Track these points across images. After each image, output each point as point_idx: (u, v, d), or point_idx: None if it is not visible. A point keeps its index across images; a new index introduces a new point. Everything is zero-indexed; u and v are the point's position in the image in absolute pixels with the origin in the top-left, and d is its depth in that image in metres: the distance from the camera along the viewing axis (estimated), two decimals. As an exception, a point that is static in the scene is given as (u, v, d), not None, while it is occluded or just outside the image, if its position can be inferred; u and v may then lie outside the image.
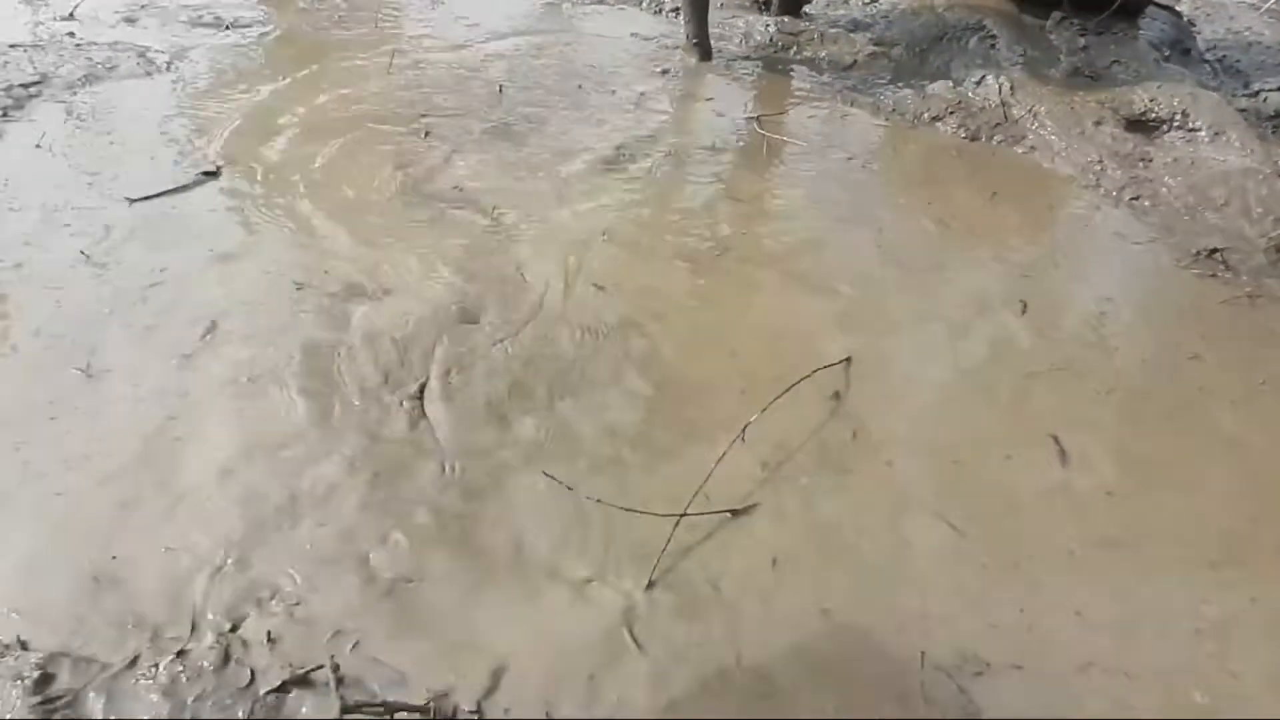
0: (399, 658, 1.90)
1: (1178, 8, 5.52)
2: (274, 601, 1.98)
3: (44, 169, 3.45)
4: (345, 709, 1.75)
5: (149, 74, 4.19)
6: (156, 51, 4.41)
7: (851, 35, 5.18)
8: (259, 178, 3.50)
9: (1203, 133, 4.20)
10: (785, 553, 2.19)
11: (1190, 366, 2.96)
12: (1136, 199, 3.88)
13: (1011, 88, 4.50)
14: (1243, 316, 3.23)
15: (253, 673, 1.85)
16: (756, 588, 2.11)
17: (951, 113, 4.42)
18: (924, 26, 5.13)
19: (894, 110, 4.50)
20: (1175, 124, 4.29)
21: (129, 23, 4.72)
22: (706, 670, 1.93)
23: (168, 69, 4.27)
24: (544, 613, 2.02)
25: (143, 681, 1.82)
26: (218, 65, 4.38)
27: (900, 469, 2.46)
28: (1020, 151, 4.23)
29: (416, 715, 1.79)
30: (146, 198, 3.30)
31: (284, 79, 4.28)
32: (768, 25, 5.21)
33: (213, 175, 3.48)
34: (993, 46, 4.84)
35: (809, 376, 2.63)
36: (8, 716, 1.72)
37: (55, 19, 4.65)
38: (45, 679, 1.80)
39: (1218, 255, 3.51)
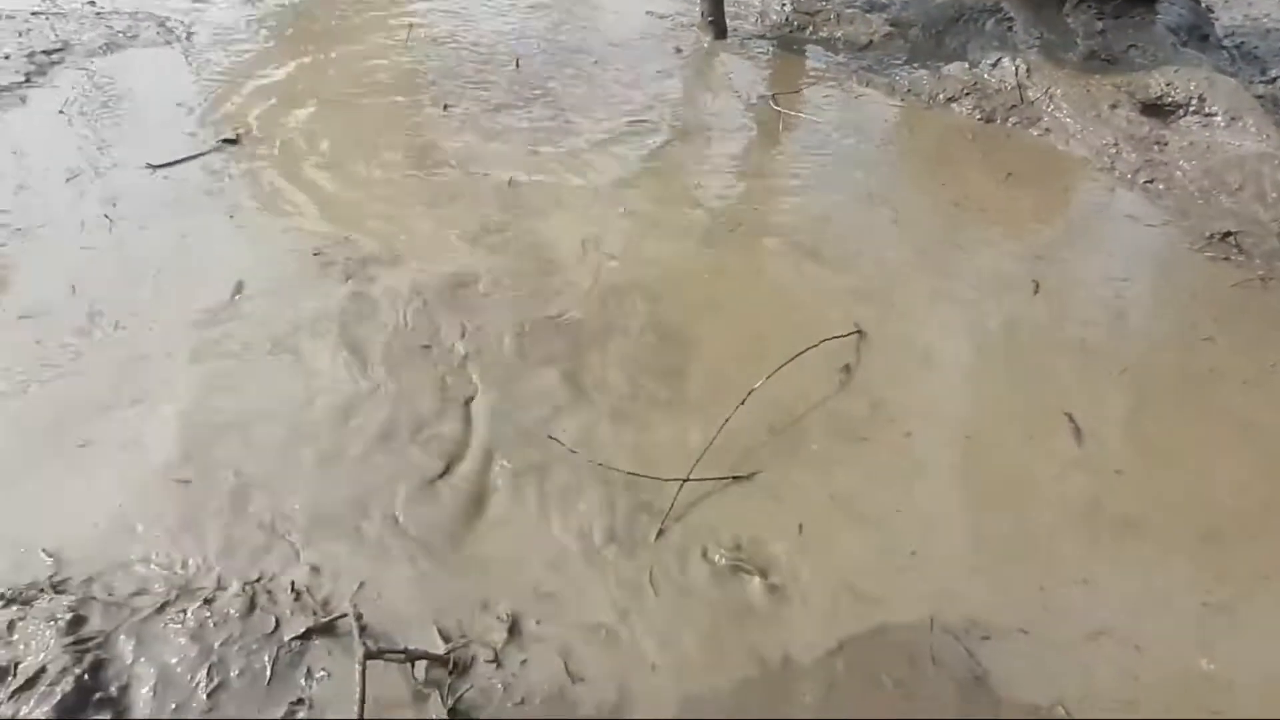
0: (416, 608, 1.95)
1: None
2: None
3: (67, 134, 3.49)
4: (368, 655, 1.80)
5: (169, 43, 4.22)
6: (177, 20, 4.44)
7: (868, 15, 5.17)
8: (278, 145, 3.54)
9: (1219, 117, 4.19)
10: (797, 518, 2.23)
11: (1203, 347, 2.98)
12: (1151, 182, 3.89)
13: (1028, 70, 4.50)
14: (1255, 299, 3.24)
15: (277, 620, 1.91)
16: (769, 550, 2.15)
17: (967, 94, 4.42)
18: (940, 8, 5.12)
19: (909, 91, 4.51)
20: (1191, 108, 4.28)
21: (149, -8, 4.75)
22: (716, 626, 1.98)
23: (188, 38, 4.29)
24: (549, 568, 2.07)
25: (171, 626, 1.87)
26: (237, 35, 4.40)
27: (902, 440, 2.49)
28: (1035, 134, 4.23)
29: (436, 662, 1.84)
30: (168, 164, 3.34)
31: (302, 49, 4.30)
32: (784, 4, 5.20)
33: (232, 142, 3.52)
34: (1009, 29, 4.83)
35: (816, 346, 2.66)
36: (42, 657, 1.78)
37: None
38: (77, 621, 1.85)
39: (1231, 238, 3.52)
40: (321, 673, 1.82)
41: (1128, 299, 3.16)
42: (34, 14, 4.27)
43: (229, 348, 2.56)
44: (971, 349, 2.88)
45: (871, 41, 4.96)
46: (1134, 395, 2.75)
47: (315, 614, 1.92)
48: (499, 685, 1.83)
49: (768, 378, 2.50)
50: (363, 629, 1.88)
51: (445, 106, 3.91)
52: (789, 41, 4.98)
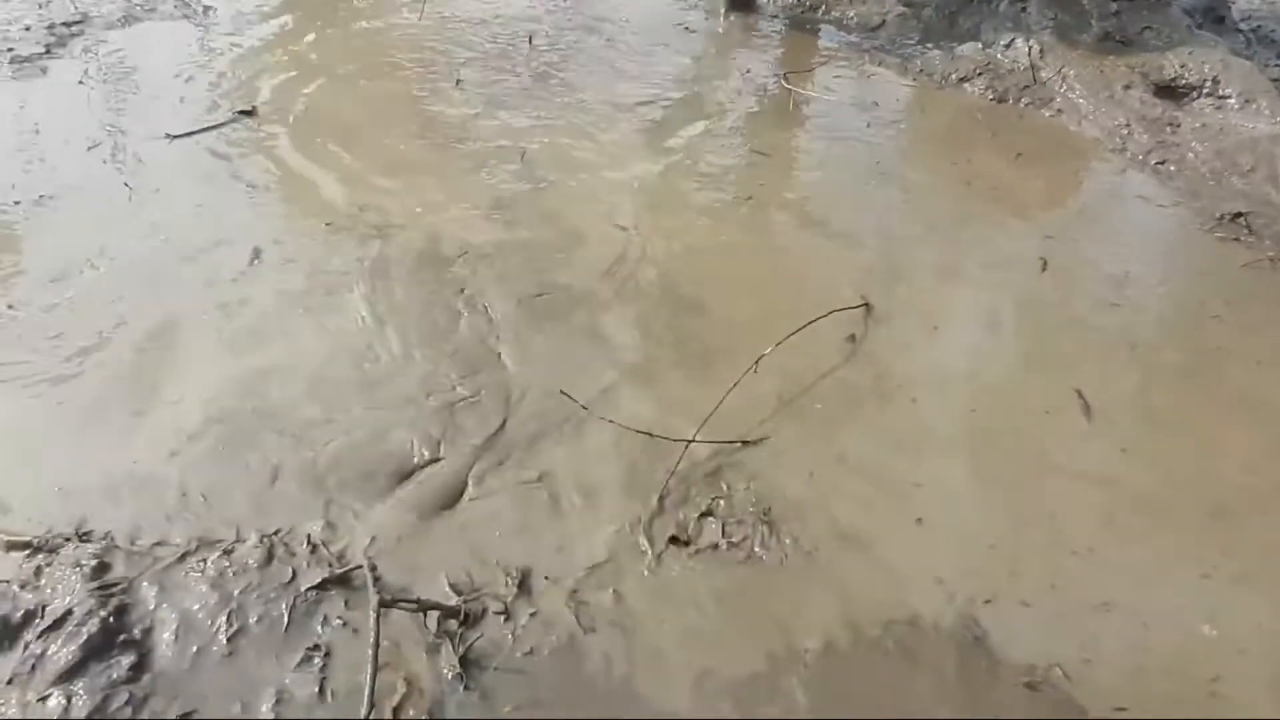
0: (427, 562, 2.01)
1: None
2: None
3: (86, 105, 3.55)
4: (382, 604, 1.85)
5: (186, 16, 4.26)
6: (194, -6, 4.48)
7: (881, -5, 5.15)
8: (292, 117, 3.58)
9: (1233, 100, 4.17)
10: (803, 480, 2.27)
11: (1211, 326, 2.99)
12: (1162, 163, 3.88)
13: (1041, 51, 4.48)
14: (1264, 279, 3.25)
15: (294, 571, 1.96)
16: (775, 509, 2.19)
17: (979, 74, 4.42)
18: (955, -11, 5.09)
19: (921, 71, 4.50)
20: (1205, 90, 4.26)
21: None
22: (719, 583, 2.02)
23: (205, 12, 4.33)
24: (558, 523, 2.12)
25: (192, 574, 1.93)
26: (254, 9, 4.44)
27: (908, 409, 2.52)
28: (1047, 114, 4.23)
29: (448, 613, 1.89)
30: (186, 134, 3.39)
31: (318, 24, 4.33)
32: (797, -16, 5.18)
33: (249, 114, 3.56)
34: (1023, 9, 4.80)
35: (825, 316, 2.69)
36: (69, 600, 1.84)
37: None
38: (102, 568, 1.91)
39: (1241, 220, 3.52)
40: (337, 621, 1.87)
41: (1137, 278, 3.17)
42: (54, -14, 4.32)
43: (249, 310, 2.61)
44: (979, 325, 2.90)
45: (884, 21, 4.95)
46: (1143, 373, 2.77)
47: (330, 566, 1.97)
48: (509, 636, 1.88)
49: (776, 345, 2.53)
50: (376, 579, 1.93)
51: (458, 81, 3.95)
52: (802, 21, 4.97)
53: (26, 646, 1.75)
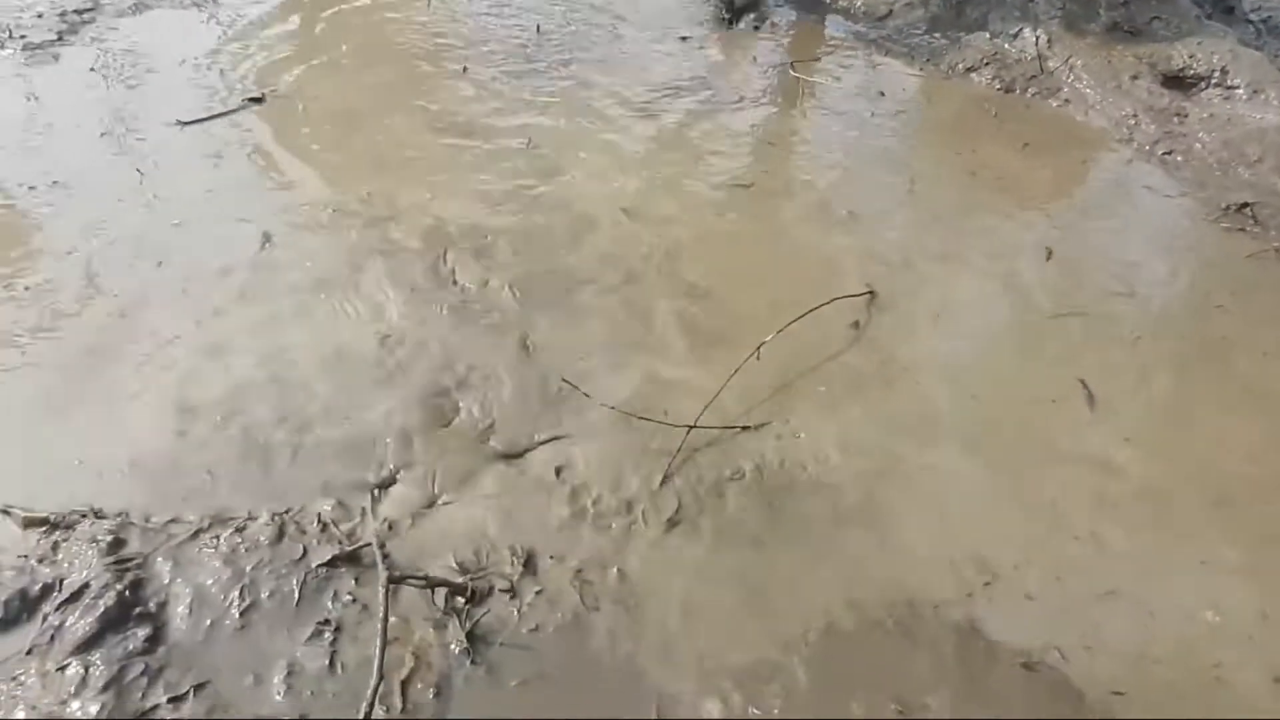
0: (435, 542, 2.04)
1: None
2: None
3: (98, 92, 3.57)
4: (391, 580, 1.89)
5: (196, 3, 4.28)
6: (204, -18, 4.49)
7: (889, -15, 5.14)
8: (301, 104, 3.60)
9: (1241, 90, 4.16)
10: (805, 463, 2.30)
11: (1216, 316, 3.00)
12: (1169, 154, 3.88)
13: (1049, 41, 4.47)
14: (1269, 270, 3.25)
15: (305, 549, 2.00)
16: (779, 488, 2.22)
17: (986, 64, 4.41)
18: (963, -22, 5.08)
19: (928, 60, 4.50)
20: (1214, 81, 4.25)
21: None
22: (724, 566, 2.05)
23: (214, 0, 4.35)
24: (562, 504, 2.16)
25: (205, 550, 1.97)
26: (262, -2, 4.45)
27: (912, 392, 2.54)
28: (1054, 104, 4.23)
29: (456, 590, 1.93)
30: (196, 120, 3.42)
31: (326, 12, 4.35)
32: (805, -27, 5.17)
33: (258, 101, 3.58)
34: None
35: (830, 303, 2.71)
36: (85, 574, 1.88)
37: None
38: (117, 543, 1.95)
39: (1248, 210, 3.52)
40: (347, 597, 1.91)
41: (1142, 268, 3.18)
42: (65, -26, 4.34)
43: (260, 293, 2.65)
44: (984, 313, 2.92)
45: (891, 11, 4.94)
46: (1147, 363, 2.78)
47: (340, 544, 2.01)
48: (514, 612, 1.92)
49: (778, 331, 2.55)
50: (385, 557, 1.97)
51: (465, 69, 3.96)
52: (809, 10, 4.96)
53: (45, 618, 1.80)
